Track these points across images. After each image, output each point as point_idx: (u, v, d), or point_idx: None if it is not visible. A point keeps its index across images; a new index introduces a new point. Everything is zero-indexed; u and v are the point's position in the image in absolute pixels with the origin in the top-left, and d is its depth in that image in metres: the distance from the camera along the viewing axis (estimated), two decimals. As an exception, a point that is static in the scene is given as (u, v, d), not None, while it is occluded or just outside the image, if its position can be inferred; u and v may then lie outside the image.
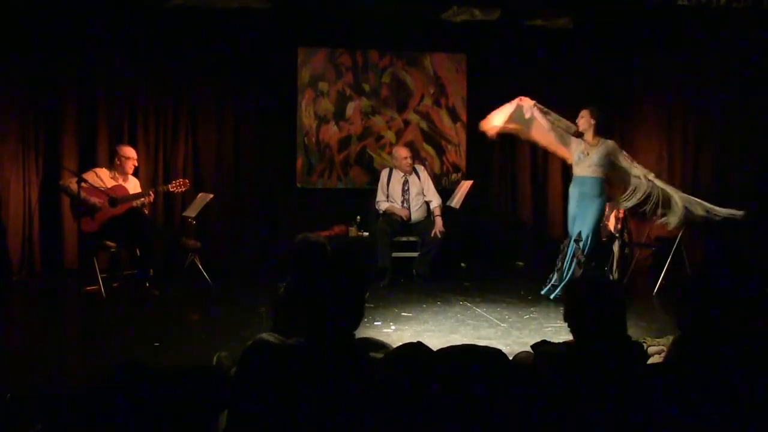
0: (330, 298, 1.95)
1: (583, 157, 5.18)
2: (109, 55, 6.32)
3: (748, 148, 6.32)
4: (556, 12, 6.69)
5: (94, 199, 5.13)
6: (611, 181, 5.34)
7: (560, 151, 5.48)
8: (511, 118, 5.30)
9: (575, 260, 5.13)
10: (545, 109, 5.27)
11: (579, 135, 5.25)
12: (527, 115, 5.25)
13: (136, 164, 5.57)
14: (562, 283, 5.14)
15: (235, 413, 1.82)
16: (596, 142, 5.17)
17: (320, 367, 1.86)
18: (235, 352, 3.07)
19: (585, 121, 5.19)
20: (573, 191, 5.29)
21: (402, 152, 6.28)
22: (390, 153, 6.74)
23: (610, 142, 5.22)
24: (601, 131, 5.22)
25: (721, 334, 2.08)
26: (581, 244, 5.13)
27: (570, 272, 5.14)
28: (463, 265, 5.93)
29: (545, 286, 5.32)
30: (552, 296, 5.19)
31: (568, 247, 5.22)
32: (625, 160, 5.22)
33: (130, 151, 5.50)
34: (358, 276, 2.03)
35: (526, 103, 5.25)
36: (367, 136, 6.97)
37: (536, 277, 5.44)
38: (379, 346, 2.03)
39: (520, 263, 5.89)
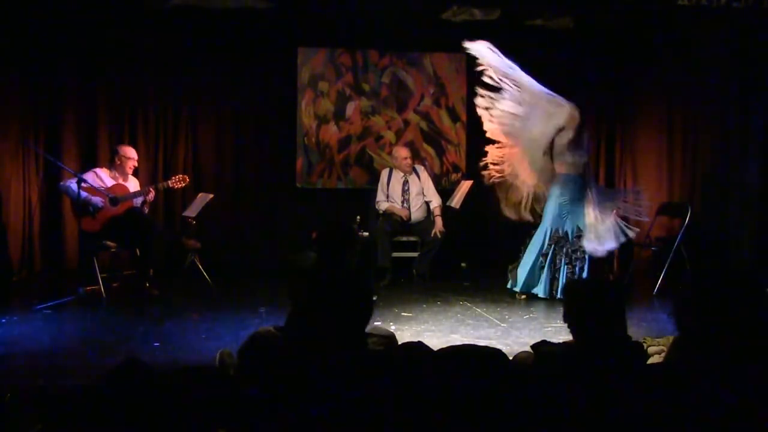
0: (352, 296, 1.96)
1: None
2: (109, 54, 6.33)
3: (749, 149, 6.31)
4: (556, 12, 6.69)
5: (96, 198, 5.13)
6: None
7: None
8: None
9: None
10: None
11: None
12: None
13: (136, 164, 5.56)
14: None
15: (236, 412, 1.82)
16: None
17: (330, 362, 1.87)
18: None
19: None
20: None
21: (402, 152, 6.28)
22: (390, 153, 6.75)
23: None
24: None
25: (721, 334, 2.08)
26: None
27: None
28: (463, 265, 5.93)
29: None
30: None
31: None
32: None
33: (130, 152, 5.49)
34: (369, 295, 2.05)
35: None
36: (367, 136, 6.97)
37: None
38: (382, 336, 2.04)
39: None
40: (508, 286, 5.34)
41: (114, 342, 3.86)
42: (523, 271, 5.25)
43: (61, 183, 5.24)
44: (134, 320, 4.41)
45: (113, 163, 5.48)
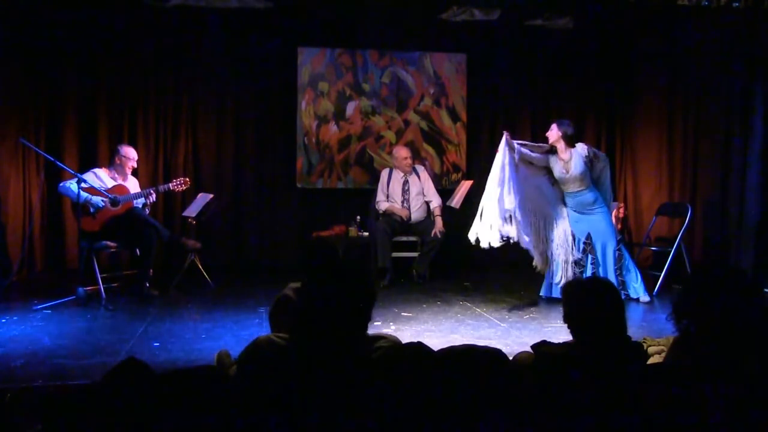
0: (342, 301, 1.95)
1: (565, 174, 5.17)
2: (109, 54, 6.34)
3: (748, 149, 6.31)
4: (556, 12, 6.70)
5: (96, 199, 5.12)
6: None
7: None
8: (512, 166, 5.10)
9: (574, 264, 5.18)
10: (519, 142, 5.20)
11: (554, 152, 5.25)
12: (518, 157, 5.13)
13: (136, 165, 5.55)
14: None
15: (235, 413, 1.82)
16: (569, 156, 5.16)
17: (326, 366, 1.86)
18: (236, 352, 3.07)
19: (554, 133, 5.20)
20: (569, 203, 5.28)
21: (402, 152, 6.28)
22: (390, 153, 6.75)
23: (579, 146, 5.20)
24: (571, 143, 5.20)
25: (720, 334, 2.08)
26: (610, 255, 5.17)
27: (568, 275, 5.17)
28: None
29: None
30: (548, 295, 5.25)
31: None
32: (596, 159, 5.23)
33: (131, 152, 5.48)
34: (367, 280, 2.04)
35: (513, 145, 5.11)
36: (367, 136, 6.97)
37: (536, 278, 5.43)
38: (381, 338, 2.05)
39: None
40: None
41: (114, 342, 3.85)
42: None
43: (61, 184, 5.22)
44: (134, 320, 4.41)
45: (113, 162, 5.47)
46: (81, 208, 5.01)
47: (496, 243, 4.84)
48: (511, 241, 4.97)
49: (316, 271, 2.95)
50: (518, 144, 5.14)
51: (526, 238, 5.06)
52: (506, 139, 5.01)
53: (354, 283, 1.99)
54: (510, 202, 4.87)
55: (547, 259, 5.29)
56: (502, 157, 4.95)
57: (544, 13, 6.67)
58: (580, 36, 6.96)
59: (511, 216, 4.91)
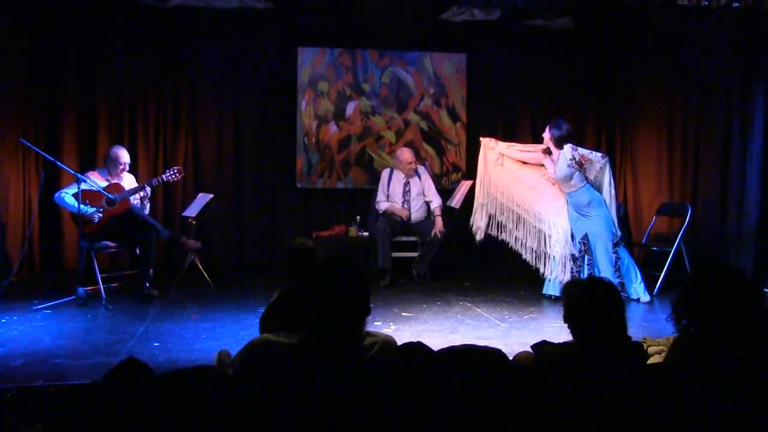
0: (334, 298, 1.95)
1: (554, 175, 5.25)
2: (109, 54, 6.34)
3: (748, 150, 6.32)
4: (556, 12, 6.70)
5: (91, 210, 5.07)
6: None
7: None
8: (490, 163, 5.57)
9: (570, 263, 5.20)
10: (508, 144, 5.65)
11: (550, 152, 5.31)
12: (495, 157, 5.53)
13: (127, 168, 5.45)
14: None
15: (235, 412, 1.82)
16: (557, 157, 5.20)
17: (324, 365, 1.86)
18: (236, 352, 3.07)
19: (546, 135, 5.30)
20: (568, 201, 5.30)
21: (407, 157, 6.24)
22: (390, 153, 6.75)
23: (566, 147, 5.19)
24: (560, 145, 5.22)
25: (720, 334, 2.08)
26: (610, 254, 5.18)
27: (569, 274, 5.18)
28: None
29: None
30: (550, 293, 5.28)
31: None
32: (584, 160, 5.22)
33: (122, 156, 5.37)
34: (358, 275, 2.03)
35: (491, 145, 5.56)
36: (367, 136, 6.97)
37: (536, 278, 5.43)
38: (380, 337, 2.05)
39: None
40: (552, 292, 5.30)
41: (114, 342, 3.85)
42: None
43: (56, 195, 5.15)
44: (134, 320, 4.41)
45: (105, 164, 5.43)
46: (79, 218, 4.97)
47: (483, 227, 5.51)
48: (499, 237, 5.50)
49: (299, 277, 2.97)
50: (506, 145, 5.57)
51: (513, 236, 5.41)
52: (483, 144, 5.59)
53: (340, 284, 1.98)
54: (483, 196, 5.54)
55: (544, 256, 5.30)
56: (481, 159, 5.60)
57: (544, 13, 6.67)
58: (580, 36, 6.96)
59: (490, 215, 5.49)
